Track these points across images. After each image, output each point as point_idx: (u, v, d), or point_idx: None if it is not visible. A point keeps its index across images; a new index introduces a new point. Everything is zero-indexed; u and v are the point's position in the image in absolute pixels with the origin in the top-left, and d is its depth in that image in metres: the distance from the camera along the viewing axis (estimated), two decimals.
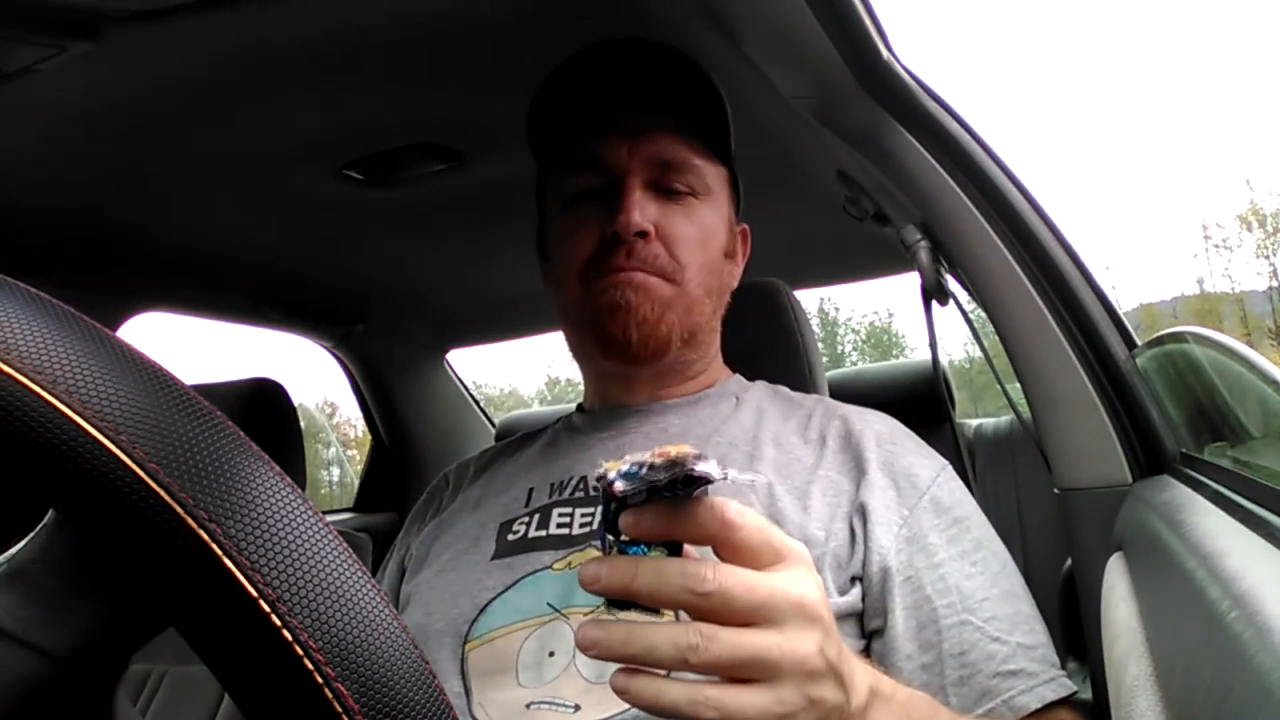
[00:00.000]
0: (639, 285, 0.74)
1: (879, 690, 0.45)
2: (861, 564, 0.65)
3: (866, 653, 0.65)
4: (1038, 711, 0.60)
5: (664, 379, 0.81)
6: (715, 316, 0.82)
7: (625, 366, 0.78)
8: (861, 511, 0.67)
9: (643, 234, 0.73)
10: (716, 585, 0.37)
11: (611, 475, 0.37)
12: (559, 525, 0.71)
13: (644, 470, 0.36)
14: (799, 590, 0.39)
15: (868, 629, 0.65)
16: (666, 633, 0.37)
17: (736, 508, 0.39)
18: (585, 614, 0.64)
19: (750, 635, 0.38)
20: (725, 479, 0.37)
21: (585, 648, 0.38)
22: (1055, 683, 0.61)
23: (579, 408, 0.89)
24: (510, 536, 0.73)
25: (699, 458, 0.37)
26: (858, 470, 0.70)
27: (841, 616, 0.64)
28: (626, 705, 0.58)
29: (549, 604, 0.66)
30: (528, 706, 0.61)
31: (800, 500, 0.68)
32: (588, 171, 0.78)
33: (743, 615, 0.38)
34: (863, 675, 0.44)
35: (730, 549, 0.39)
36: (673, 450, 0.38)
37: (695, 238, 0.77)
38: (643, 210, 0.74)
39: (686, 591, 0.37)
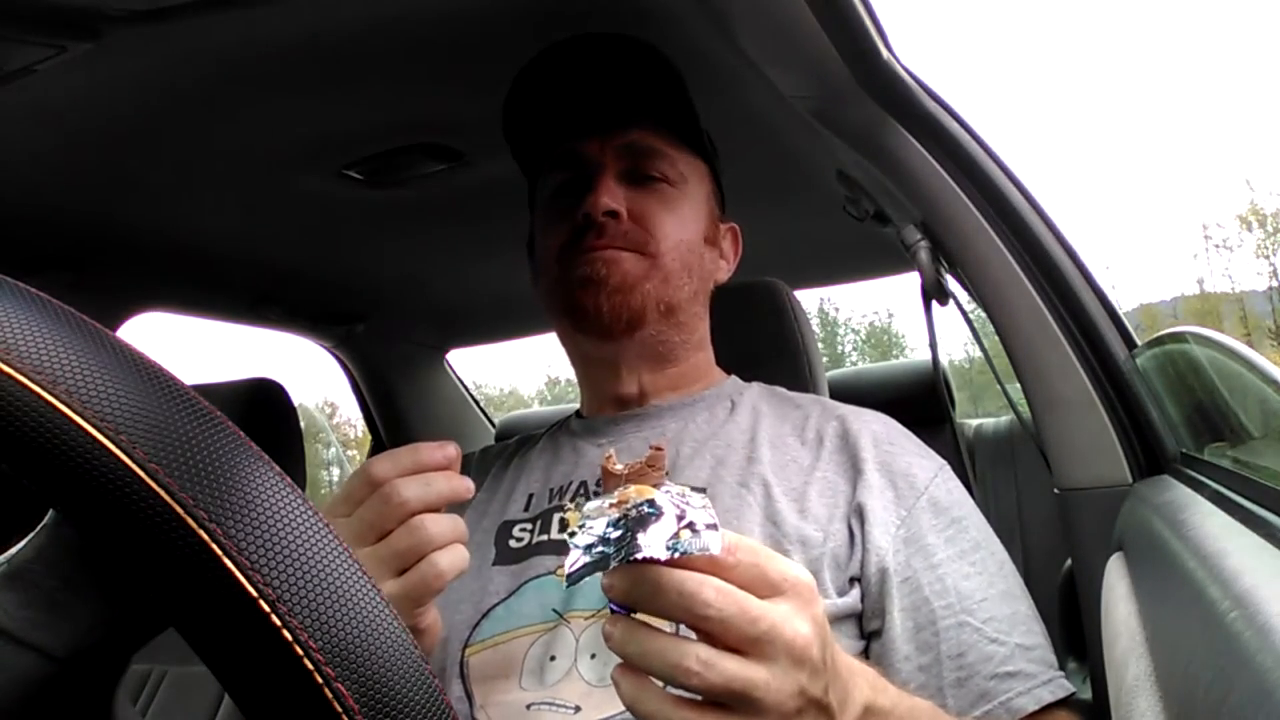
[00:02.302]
0: (610, 260, 0.75)
1: (875, 706, 0.45)
2: (860, 565, 0.65)
3: (865, 654, 0.64)
4: (1036, 713, 0.60)
5: (648, 361, 0.80)
6: (697, 300, 0.82)
7: (604, 343, 0.78)
8: (859, 512, 0.66)
9: (613, 214, 0.75)
10: (718, 613, 0.38)
11: (570, 542, 0.38)
12: (561, 530, 0.72)
13: (597, 544, 0.38)
14: (793, 630, 0.39)
15: (866, 630, 0.65)
16: (660, 645, 0.38)
17: (730, 542, 0.39)
18: (586, 618, 0.64)
19: (744, 670, 0.38)
20: (673, 557, 0.37)
21: (605, 638, 0.40)
22: (1053, 684, 0.61)
23: (577, 413, 0.88)
24: (512, 543, 0.73)
25: (651, 509, 0.38)
26: (854, 471, 0.70)
27: (841, 618, 0.63)
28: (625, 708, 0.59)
29: (554, 609, 0.66)
30: (528, 708, 0.61)
31: (798, 502, 0.68)
32: (565, 168, 0.80)
33: (737, 643, 0.39)
34: (860, 693, 0.44)
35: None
36: (633, 494, 0.39)
37: (669, 217, 0.78)
38: (612, 193, 0.76)
39: (687, 612, 0.38)
